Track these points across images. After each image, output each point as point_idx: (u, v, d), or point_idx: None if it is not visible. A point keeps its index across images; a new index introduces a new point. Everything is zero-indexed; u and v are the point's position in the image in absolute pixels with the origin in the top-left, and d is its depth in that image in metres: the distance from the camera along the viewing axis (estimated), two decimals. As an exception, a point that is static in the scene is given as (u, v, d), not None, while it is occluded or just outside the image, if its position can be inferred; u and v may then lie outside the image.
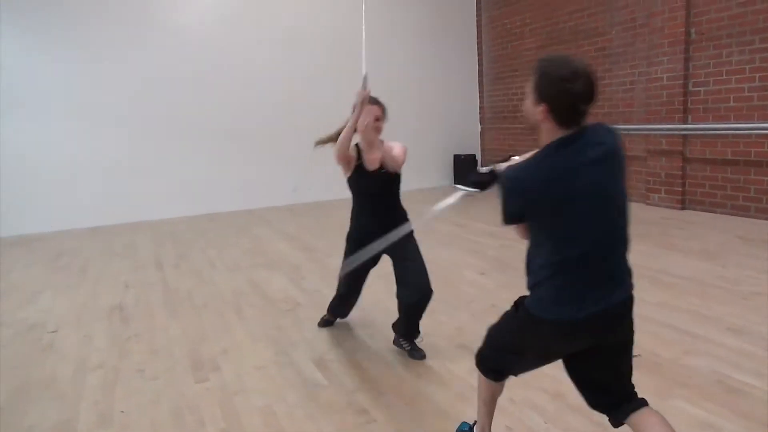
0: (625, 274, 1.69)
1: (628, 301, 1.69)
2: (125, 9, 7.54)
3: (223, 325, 3.75)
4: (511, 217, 1.69)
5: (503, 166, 1.89)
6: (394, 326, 3.21)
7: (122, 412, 2.65)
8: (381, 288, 4.35)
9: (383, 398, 2.67)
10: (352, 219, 3.13)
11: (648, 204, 6.99)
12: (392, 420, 2.48)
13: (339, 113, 8.90)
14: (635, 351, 3.00)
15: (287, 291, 4.42)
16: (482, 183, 1.94)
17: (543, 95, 1.60)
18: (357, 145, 2.96)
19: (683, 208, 6.68)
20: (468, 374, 2.84)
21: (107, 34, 7.47)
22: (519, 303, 1.85)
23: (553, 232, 1.65)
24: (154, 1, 7.74)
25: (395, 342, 3.22)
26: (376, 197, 3.00)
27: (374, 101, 2.87)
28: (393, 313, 3.73)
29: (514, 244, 5.48)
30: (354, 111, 2.79)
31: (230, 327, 3.71)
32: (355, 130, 2.84)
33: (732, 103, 6.19)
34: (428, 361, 3.04)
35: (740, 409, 2.42)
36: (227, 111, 8.29)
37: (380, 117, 2.91)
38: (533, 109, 1.64)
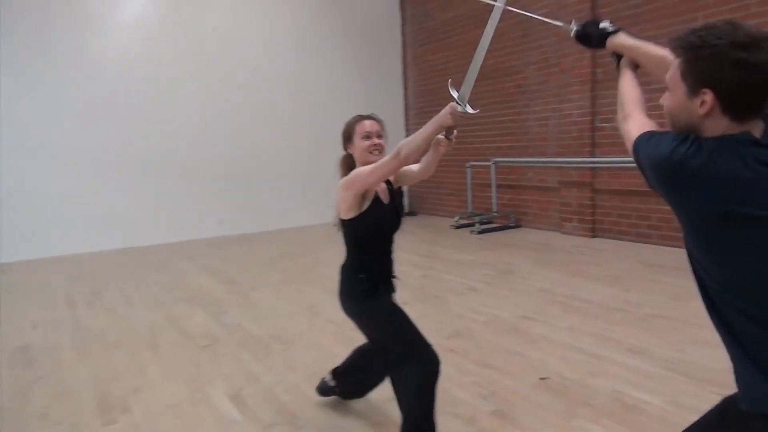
0: None
1: None
2: (47, 38, 7.26)
3: (136, 364, 3.60)
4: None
5: (625, 39, 1.61)
6: (342, 374, 2.82)
7: (19, 461, 2.50)
8: (304, 320, 4.34)
9: (300, 432, 2.66)
10: (357, 271, 2.39)
11: (562, 233, 7.36)
12: (308, 454, 2.47)
13: (262, 145, 8.98)
14: (544, 374, 3.13)
15: (207, 326, 4.32)
16: (589, 39, 1.68)
17: (706, 77, 1.13)
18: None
19: (593, 236, 7.08)
20: (383, 403, 2.88)
21: (22, 58, 7.17)
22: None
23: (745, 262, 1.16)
24: (74, 31, 7.50)
25: (325, 390, 2.88)
26: (388, 234, 2.44)
27: (369, 117, 2.40)
28: (315, 345, 3.75)
29: (437, 274, 5.62)
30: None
31: (144, 365, 3.58)
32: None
33: (635, 138, 6.65)
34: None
35: (637, 425, 2.57)
36: (148, 141, 8.07)
37: (381, 134, 2.38)
38: (687, 104, 1.19)
